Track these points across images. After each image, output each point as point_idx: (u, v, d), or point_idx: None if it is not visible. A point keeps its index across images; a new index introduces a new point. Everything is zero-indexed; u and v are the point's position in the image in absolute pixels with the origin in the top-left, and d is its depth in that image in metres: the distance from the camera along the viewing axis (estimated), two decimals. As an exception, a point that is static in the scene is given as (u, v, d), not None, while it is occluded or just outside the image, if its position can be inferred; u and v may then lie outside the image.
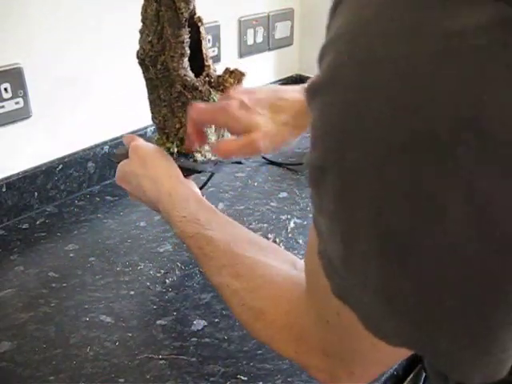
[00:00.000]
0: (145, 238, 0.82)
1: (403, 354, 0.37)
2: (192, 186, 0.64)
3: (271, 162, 1.07)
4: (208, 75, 0.70)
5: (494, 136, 0.24)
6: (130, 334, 0.64)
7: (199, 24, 0.72)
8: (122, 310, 0.68)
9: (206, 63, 0.73)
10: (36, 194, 0.90)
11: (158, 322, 0.66)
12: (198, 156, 0.73)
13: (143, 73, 0.72)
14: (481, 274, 0.27)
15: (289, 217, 0.88)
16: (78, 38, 0.89)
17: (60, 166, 0.92)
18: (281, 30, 1.27)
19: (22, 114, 0.86)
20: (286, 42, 1.31)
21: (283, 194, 0.95)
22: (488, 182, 0.25)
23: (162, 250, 0.79)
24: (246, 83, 1.18)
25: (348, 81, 0.29)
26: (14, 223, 0.87)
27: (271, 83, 1.30)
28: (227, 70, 0.71)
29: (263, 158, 1.08)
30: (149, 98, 0.74)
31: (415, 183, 0.26)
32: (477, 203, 0.25)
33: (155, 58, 0.70)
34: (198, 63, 0.72)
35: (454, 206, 0.26)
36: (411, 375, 0.63)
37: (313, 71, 1.33)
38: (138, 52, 0.71)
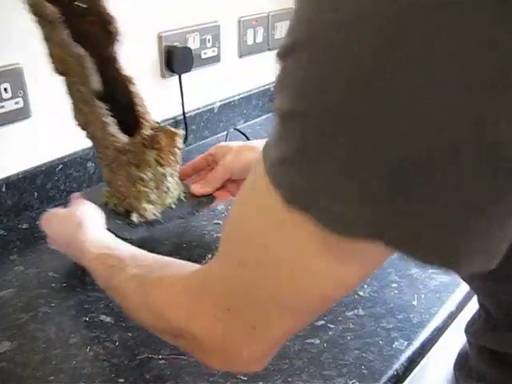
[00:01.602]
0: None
1: (317, 304, 0.37)
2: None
3: (271, 162, 1.06)
4: (142, 136, 0.72)
5: None
6: (130, 334, 0.64)
7: (128, 84, 0.74)
8: (122, 310, 0.68)
9: (142, 121, 0.74)
10: (36, 193, 0.90)
11: (158, 321, 0.66)
12: (134, 217, 0.75)
13: None
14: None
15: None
16: (78, 38, 0.89)
17: (60, 166, 0.92)
18: (281, 30, 1.27)
19: (22, 114, 0.86)
20: (286, 42, 1.31)
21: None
22: None
23: (161, 250, 0.79)
24: (246, 84, 1.17)
25: None
26: (14, 223, 0.87)
27: (271, 83, 1.30)
28: (161, 129, 0.73)
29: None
30: (96, 155, 0.78)
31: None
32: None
33: (84, 128, 0.74)
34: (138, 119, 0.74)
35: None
36: (411, 375, 0.63)
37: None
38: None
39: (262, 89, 1.28)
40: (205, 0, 1.09)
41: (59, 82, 0.89)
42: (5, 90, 0.82)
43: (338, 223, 0.30)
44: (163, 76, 1.07)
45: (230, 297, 0.38)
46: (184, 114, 1.11)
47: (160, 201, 0.76)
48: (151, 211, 0.75)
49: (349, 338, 0.64)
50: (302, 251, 0.33)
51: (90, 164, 0.96)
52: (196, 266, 0.46)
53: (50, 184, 0.91)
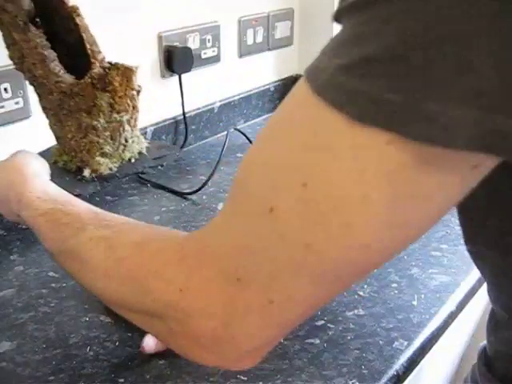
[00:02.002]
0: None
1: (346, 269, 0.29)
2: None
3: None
4: (91, 75, 0.61)
5: None
6: (130, 334, 0.64)
7: (74, 15, 0.63)
8: (121, 310, 0.68)
9: (92, 60, 0.64)
10: (36, 194, 0.90)
11: (158, 322, 0.66)
12: (86, 173, 0.66)
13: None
14: None
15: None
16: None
17: (60, 166, 0.92)
18: (281, 30, 1.27)
19: (22, 114, 0.86)
20: (286, 42, 1.31)
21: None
22: None
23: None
24: (246, 84, 1.17)
25: None
26: (14, 223, 0.87)
27: (271, 83, 1.30)
28: (113, 67, 0.62)
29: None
30: (40, 105, 0.67)
31: None
32: None
33: (20, 65, 0.63)
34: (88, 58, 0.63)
35: None
36: (411, 375, 0.63)
37: (313, 71, 1.34)
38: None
39: (262, 89, 1.28)
40: (205, 0, 1.09)
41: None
42: (5, 90, 0.82)
43: (450, 132, 0.24)
44: (163, 76, 1.07)
45: (245, 261, 0.30)
46: (184, 114, 1.11)
47: (117, 154, 0.67)
48: (106, 165, 0.66)
49: (349, 337, 0.64)
50: (376, 186, 0.26)
51: (89, 164, 0.96)
52: (188, 233, 0.36)
53: (49, 184, 0.91)
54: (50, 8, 0.62)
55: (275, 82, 1.32)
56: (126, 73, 0.63)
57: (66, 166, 0.68)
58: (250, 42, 1.21)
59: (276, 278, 0.29)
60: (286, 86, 1.34)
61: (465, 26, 0.23)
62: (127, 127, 0.66)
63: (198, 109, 1.15)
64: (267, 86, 1.29)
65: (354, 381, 0.58)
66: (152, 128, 1.04)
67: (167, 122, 1.10)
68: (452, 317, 0.69)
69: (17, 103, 0.84)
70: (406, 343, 0.63)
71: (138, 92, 0.65)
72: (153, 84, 1.05)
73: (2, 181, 0.55)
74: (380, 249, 0.28)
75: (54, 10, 0.62)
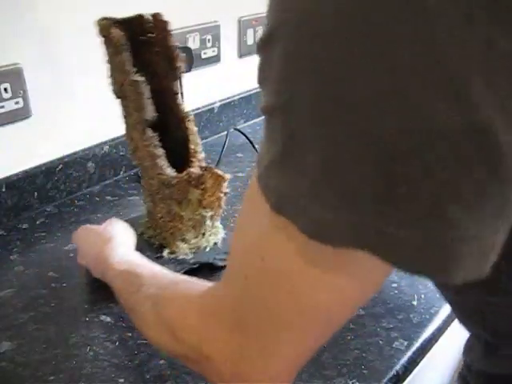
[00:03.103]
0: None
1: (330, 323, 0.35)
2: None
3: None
4: (189, 174, 0.71)
5: None
6: (130, 334, 0.64)
7: (186, 120, 0.76)
8: (121, 310, 0.68)
9: (192, 159, 0.75)
10: (36, 193, 0.90)
11: (158, 322, 0.66)
12: (165, 253, 0.75)
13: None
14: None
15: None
16: (78, 38, 0.89)
17: (60, 166, 0.92)
18: (281, 30, 1.27)
19: (22, 114, 0.86)
20: (286, 42, 1.31)
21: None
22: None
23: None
24: (246, 84, 1.17)
25: None
26: (14, 223, 0.87)
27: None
28: (209, 170, 0.72)
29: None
30: (141, 182, 0.78)
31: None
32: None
33: (133, 153, 0.75)
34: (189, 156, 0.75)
35: None
36: (411, 375, 0.63)
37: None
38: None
39: (262, 89, 1.28)
40: (205, 0, 1.09)
41: (59, 82, 0.89)
42: (5, 90, 0.82)
43: (319, 230, 0.29)
44: (163, 76, 1.07)
45: (238, 317, 0.37)
46: (184, 114, 1.11)
47: (195, 242, 0.75)
48: (183, 250, 0.75)
49: (349, 337, 0.64)
50: (294, 262, 0.31)
51: (90, 164, 0.96)
52: (208, 284, 0.44)
53: (49, 184, 0.91)
54: (170, 109, 0.75)
55: (275, 82, 1.32)
56: (219, 178, 0.72)
57: (150, 240, 0.77)
58: (250, 42, 1.21)
59: (265, 327, 0.35)
60: (285, 86, 1.34)
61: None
62: (209, 222, 0.75)
63: (198, 109, 1.15)
64: (267, 86, 1.29)
65: (353, 381, 0.58)
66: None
67: (167, 122, 1.10)
68: (452, 317, 0.69)
69: (17, 103, 0.84)
70: (406, 343, 0.63)
71: (225, 194, 0.74)
72: (153, 84, 1.05)
73: (96, 245, 0.65)
74: (326, 307, 0.34)
75: (171, 111, 0.76)
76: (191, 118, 0.76)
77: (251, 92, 1.25)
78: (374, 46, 0.25)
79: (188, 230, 0.74)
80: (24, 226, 0.87)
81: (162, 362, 0.61)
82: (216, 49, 1.14)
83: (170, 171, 0.72)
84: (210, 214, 0.74)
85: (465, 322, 0.48)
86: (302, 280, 0.32)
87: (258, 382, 0.38)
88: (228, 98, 1.20)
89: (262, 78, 0.31)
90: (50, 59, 0.87)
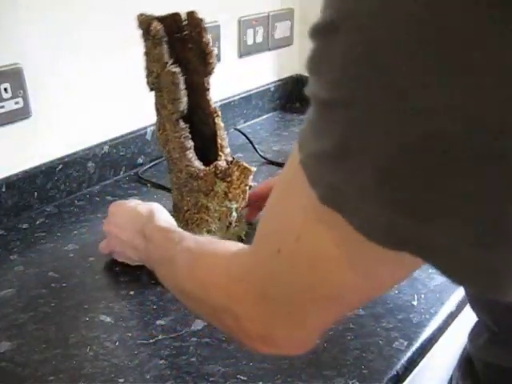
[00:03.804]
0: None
1: (355, 296, 0.36)
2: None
3: (271, 162, 1.07)
4: (216, 166, 0.74)
5: None
6: (130, 334, 0.64)
7: (215, 115, 0.79)
8: (121, 310, 0.68)
9: (219, 152, 0.77)
10: (36, 194, 0.90)
11: (158, 322, 0.66)
12: None
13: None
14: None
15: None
16: (79, 38, 0.89)
17: (60, 166, 0.92)
18: (281, 30, 1.27)
19: (22, 114, 0.86)
20: (286, 41, 1.31)
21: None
22: None
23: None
24: (246, 84, 1.18)
25: None
26: (14, 223, 0.87)
27: (271, 83, 1.30)
28: (235, 163, 0.74)
29: (263, 158, 1.08)
30: (169, 177, 0.82)
31: None
32: None
33: (164, 144, 0.77)
34: (216, 150, 0.78)
35: None
36: (411, 375, 0.63)
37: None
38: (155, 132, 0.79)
39: (262, 89, 1.28)
40: (205, 0, 1.09)
41: (59, 82, 0.89)
42: (5, 90, 0.82)
43: (370, 229, 0.29)
44: (163, 76, 1.07)
45: (267, 286, 0.38)
46: (184, 114, 1.11)
47: (220, 233, 0.77)
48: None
49: (349, 337, 0.64)
50: (333, 249, 0.32)
51: (90, 164, 0.96)
52: (239, 245, 0.46)
53: (50, 184, 0.91)
54: (198, 105, 0.78)
55: (275, 82, 1.32)
56: (245, 171, 0.74)
57: None
58: (250, 41, 1.21)
59: (293, 299, 0.36)
60: (285, 85, 1.34)
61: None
62: (234, 214, 0.77)
63: (198, 109, 1.15)
64: (267, 86, 1.29)
65: (353, 381, 0.58)
66: (152, 128, 1.03)
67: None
68: (452, 317, 0.69)
69: (17, 103, 0.84)
70: (406, 343, 0.63)
71: (250, 187, 0.77)
72: (153, 84, 1.05)
73: (137, 223, 0.67)
74: (360, 287, 0.34)
75: (199, 106, 0.78)
76: (219, 112, 0.79)
77: (251, 92, 1.25)
78: (449, 51, 0.23)
79: (214, 222, 0.76)
80: (24, 226, 0.87)
81: (161, 361, 0.61)
82: (216, 49, 1.14)
83: (198, 164, 0.75)
84: (235, 206, 0.76)
85: (476, 309, 0.50)
86: (339, 265, 0.33)
87: (281, 347, 0.40)
88: (228, 98, 1.20)
89: (316, 67, 0.30)
90: (49, 59, 0.87)
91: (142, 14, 0.73)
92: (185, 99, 0.74)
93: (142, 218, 0.66)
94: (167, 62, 0.71)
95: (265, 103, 1.30)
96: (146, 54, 0.74)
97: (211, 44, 0.77)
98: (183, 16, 0.76)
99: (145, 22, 0.72)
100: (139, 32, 0.73)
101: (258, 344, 0.41)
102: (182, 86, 0.73)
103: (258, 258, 0.39)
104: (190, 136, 0.75)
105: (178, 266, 0.51)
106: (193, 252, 0.50)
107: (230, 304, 0.41)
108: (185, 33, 0.76)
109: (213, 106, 0.79)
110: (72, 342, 0.63)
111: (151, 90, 0.76)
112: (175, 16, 0.75)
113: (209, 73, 0.78)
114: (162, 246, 0.58)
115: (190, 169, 0.74)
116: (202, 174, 0.73)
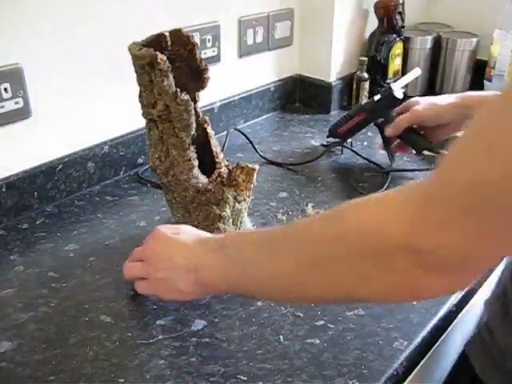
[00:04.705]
0: (145, 238, 0.82)
1: None
2: None
3: (271, 162, 1.07)
4: (219, 174, 0.74)
5: None
6: (130, 334, 0.64)
7: (205, 125, 0.78)
8: (121, 310, 0.68)
9: (217, 160, 0.77)
10: (36, 193, 0.90)
11: (158, 322, 0.66)
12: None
13: (156, 176, 0.78)
14: None
15: (288, 217, 0.88)
16: (79, 38, 0.89)
17: (60, 166, 0.92)
18: (281, 30, 1.27)
19: (22, 114, 0.86)
20: (286, 42, 1.31)
21: (283, 194, 0.95)
22: None
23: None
24: (246, 84, 1.17)
25: None
26: (14, 223, 0.87)
27: (271, 83, 1.30)
28: (238, 166, 0.74)
29: (263, 158, 1.08)
30: (165, 198, 0.80)
31: None
32: None
33: (165, 171, 0.75)
34: (210, 157, 0.77)
35: None
36: (411, 375, 0.63)
37: (312, 71, 1.33)
38: (149, 161, 0.76)
39: (262, 89, 1.28)
40: (205, 0, 1.09)
41: (59, 82, 0.89)
42: (5, 90, 0.82)
43: None
44: (163, 76, 1.07)
45: (471, 200, 0.35)
46: (184, 114, 1.11)
47: None
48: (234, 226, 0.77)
49: (349, 337, 0.64)
50: None
51: (90, 164, 0.96)
52: (389, 192, 0.44)
53: (50, 184, 0.91)
54: None
55: (275, 82, 1.32)
56: (249, 171, 0.74)
57: None
58: (250, 42, 1.21)
59: (497, 214, 0.35)
60: (285, 86, 1.34)
61: None
62: (245, 213, 0.78)
63: (198, 109, 1.15)
64: (267, 86, 1.29)
65: (353, 381, 0.58)
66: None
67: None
68: (452, 317, 0.70)
69: (17, 103, 0.84)
70: (405, 343, 0.63)
71: (254, 184, 0.77)
72: (153, 84, 1.05)
73: (191, 236, 0.63)
74: None
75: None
76: (208, 121, 0.79)
77: (251, 92, 1.25)
78: None
79: (228, 226, 0.77)
80: (24, 226, 0.87)
81: (161, 362, 0.61)
82: (216, 49, 1.14)
83: (203, 178, 0.75)
84: (244, 205, 0.77)
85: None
86: None
87: (472, 274, 0.39)
88: (228, 98, 1.20)
89: None
90: (49, 59, 0.87)
91: (135, 46, 0.69)
92: (194, 124, 0.72)
93: (196, 234, 0.64)
94: (177, 91, 0.69)
95: (265, 103, 1.30)
96: (144, 85, 0.71)
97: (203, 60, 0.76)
98: (167, 36, 0.72)
99: (147, 56, 0.67)
100: (130, 62, 0.70)
101: (440, 279, 0.39)
102: (193, 110, 0.72)
103: (465, 171, 0.36)
104: (196, 155, 0.74)
105: (304, 231, 0.48)
106: (324, 215, 0.47)
107: (414, 235, 0.38)
108: (171, 52, 0.73)
109: (201, 116, 0.78)
110: (72, 342, 0.63)
111: (150, 120, 0.73)
112: (159, 37, 0.72)
113: (201, 87, 0.76)
114: (262, 238, 0.54)
115: (198, 185, 0.74)
116: (210, 187, 0.74)
